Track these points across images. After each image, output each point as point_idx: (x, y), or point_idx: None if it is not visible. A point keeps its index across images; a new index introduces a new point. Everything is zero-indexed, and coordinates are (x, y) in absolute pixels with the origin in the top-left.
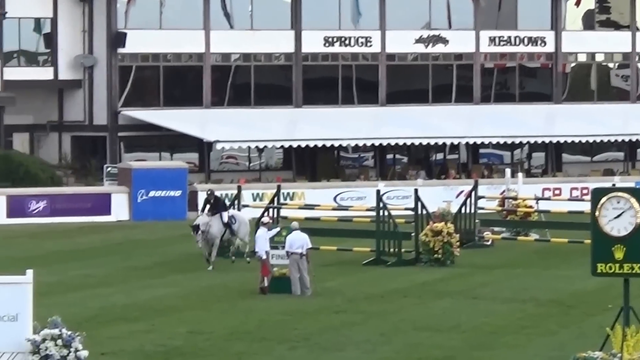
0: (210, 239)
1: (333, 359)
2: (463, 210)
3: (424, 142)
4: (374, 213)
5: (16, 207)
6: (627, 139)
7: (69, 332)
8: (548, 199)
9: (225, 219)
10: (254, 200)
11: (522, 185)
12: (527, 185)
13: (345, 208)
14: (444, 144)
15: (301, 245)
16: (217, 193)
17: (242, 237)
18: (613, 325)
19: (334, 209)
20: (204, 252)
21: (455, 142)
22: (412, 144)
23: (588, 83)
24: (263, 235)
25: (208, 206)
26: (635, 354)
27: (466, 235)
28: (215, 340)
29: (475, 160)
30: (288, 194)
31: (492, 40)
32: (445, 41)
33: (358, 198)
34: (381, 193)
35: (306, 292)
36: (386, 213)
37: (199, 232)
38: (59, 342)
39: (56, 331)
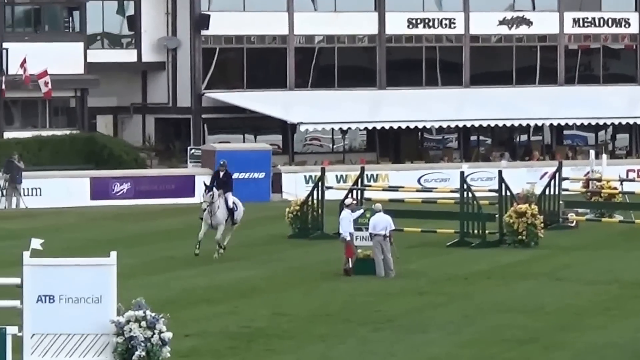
0: (215, 222)
1: (417, 341)
2: (547, 192)
3: (508, 123)
4: (457, 195)
5: (100, 189)
6: None
7: (153, 314)
8: (632, 180)
9: (231, 204)
10: (338, 182)
11: (606, 166)
12: (611, 166)
13: (429, 190)
14: (528, 125)
15: (385, 226)
16: (301, 174)
17: (238, 222)
18: None
19: (417, 191)
20: (201, 229)
21: (539, 123)
22: (496, 125)
23: None
24: (347, 217)
25: (216, 183)
26: None
27: (550, 217)
28: (299, 322)
29: (559, 142)
30: (372, 175)
31: (575, 21)
32: (529, 23)
33: (442, 180)
34: (465, 174)
35: (390, 274)
36: (470, 195)
37: (210, 193)
38: (143, 323)
39: (140, 313)
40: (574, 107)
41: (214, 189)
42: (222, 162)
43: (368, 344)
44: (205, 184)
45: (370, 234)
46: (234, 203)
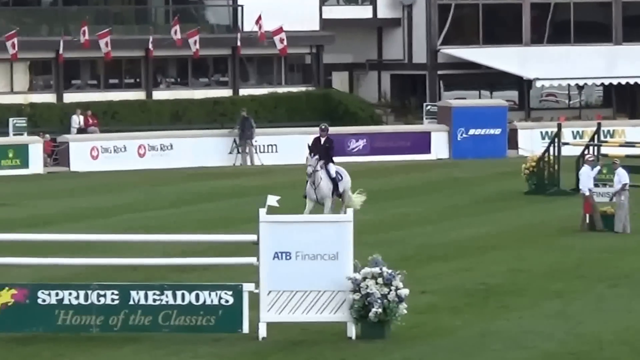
0: (320, 197)
1: None
2: None
3: None
4: None
5: (336, 146)
6: None
7: (390, 271)
8: None
9: (333, 174)
10: (574, 138)
11: None
12: None
13: None
14: None
15: (626, 181)
16: (537, 130)
17: (346, 193)
18: None
19: None
20: (307, 206)
21: None
22: None
23: None
24: (586, 172)
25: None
26: None
27: None
28: (535, 278)
29: None
30: (608, 131)
31: None
32: None
33: None
34: None
35: (627, 229)
36: None
37: (315, 157)
38: (380, 280)
39: (377, 269)
40: None
41: (318, 156)
42: (322, 126)
43: (605, 300)
44: (309, 146)
45: (624, 184)
46: (337, 172)
